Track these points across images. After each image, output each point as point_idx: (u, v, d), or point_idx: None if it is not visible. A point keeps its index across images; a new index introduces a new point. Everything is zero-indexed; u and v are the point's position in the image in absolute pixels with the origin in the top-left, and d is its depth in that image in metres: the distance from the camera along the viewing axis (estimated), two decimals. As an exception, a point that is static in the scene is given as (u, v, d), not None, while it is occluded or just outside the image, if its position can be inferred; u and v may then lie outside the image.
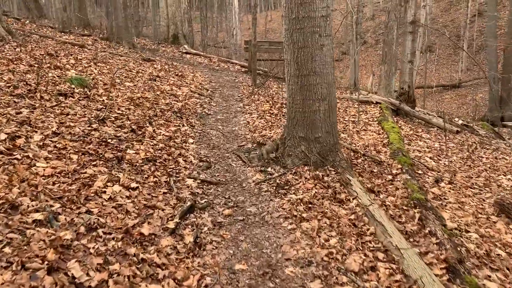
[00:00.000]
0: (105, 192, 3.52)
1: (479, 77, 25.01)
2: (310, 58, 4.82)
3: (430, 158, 6.98)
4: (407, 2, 10.04)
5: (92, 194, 3.42)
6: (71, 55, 8.41)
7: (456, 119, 12.66)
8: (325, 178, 4.58)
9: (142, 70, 9.57)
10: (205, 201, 3.98)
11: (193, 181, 4.35)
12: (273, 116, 7.61)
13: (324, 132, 4.99)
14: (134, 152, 4.58)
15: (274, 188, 4.32)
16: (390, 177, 5.24)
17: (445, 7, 35.82)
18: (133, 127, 5.31)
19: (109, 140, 4.65)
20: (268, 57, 17.41)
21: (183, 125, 6.37)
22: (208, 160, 5.06)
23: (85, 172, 3.78)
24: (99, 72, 7.77)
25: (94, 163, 4.03)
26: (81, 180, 3.61)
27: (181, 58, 15.63)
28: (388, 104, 10.05)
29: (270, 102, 8.77)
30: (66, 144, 4.17)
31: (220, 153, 5.38)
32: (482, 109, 19.97)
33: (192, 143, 5.63)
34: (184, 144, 5.49)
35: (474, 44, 28.13)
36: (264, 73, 14.96)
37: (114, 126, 5.20)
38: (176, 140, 5.52)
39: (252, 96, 9.29)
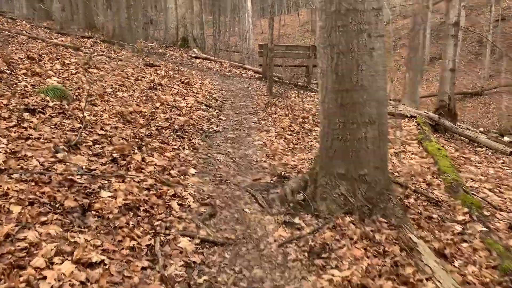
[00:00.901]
0: (45, 278, 2.22)
1: (504, 85, 23.42)
2: (355, 67, 3.49)
3: (490, 190, 5.57)
4: (450, 1, 8.65)
5: (22, 286, 2.12)
6: (58, 59, 7.20)
7: (494, 133, 11.17)
8: (377, 237, 3.22)
9: (142, 77, 8.33)
10: (204, 280, 2.66)
11: (190, 241, 3.03)
12: (294, 134, 6.28)
13: (372, 168, 3.64)
14: (109, 195, 3.29)
15: (306, 255, 2.98)
16: (458, 228, 3.86)
17: (465, 12, 34.19)
18: (115, 155, 4.02)
19: (76, 178, 3.37)
20: (283, 63, 16.11)
21: (184, 148, 5.07)
22: (212, 202, 3.74)
23: (24, 238, 2.49)
24: (89, 80, 6.53)
25: (45, 218, 2.74)
26: (11, 255, 2.32)
27: (190, 63, 14.39)
28: (426, 119, 8.65)
29: (290, 115, 7.44)
30: (8, 189, 2.90)
31: (229, 191, 4.06)
32: (509, 118, 18.45)
33: (193, 175, 4.32)
34: (182, 177, 4.18)
35: (496, 50, 26.52)
36: (280, 79, 13.65)
37: (89, 155, 3.92)
38: (172, 171, 4.21)
39: (269, 108, 7.96)
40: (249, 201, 3.82)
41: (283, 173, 4.42)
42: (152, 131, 5.24)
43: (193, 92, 8.61)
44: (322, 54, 3.64)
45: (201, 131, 6.09)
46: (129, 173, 3.83)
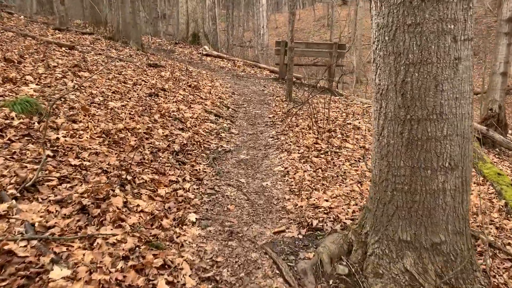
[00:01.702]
0: None
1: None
2: (432, 86, 2.32)
3: None
4: (503, -8, 7.35)
5: None
6: (43, 60, 6.14)
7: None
8: None
9: (143, 80, 7.24)
10: None
11: None
12: (322, 156, 5.11)
13: (452, 233, 2.48)
14: (64, 276, 2.20)
15: None
16: None
17: (492, 6, 32.28)
18: (86, 201, 2.93)
19: (19, 247, 2.29)
20: (298, 61, 14.93)
21: (185, 180, 3.96)
22: (217, 277, 2.62)
23: None
24: (75, 87, 5.46)
25: None
26: None
27: (200, 62, 13.29)
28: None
29: (314, 128, 6.27)
30: None
31: (241, 252, 2.93)
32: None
33: (193, 224, 3.21)
34: (178, 228, 3.07)
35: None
36: (298, 80, 12.46)
37: (49, 202, 2.83)
38: (164, 220, 3.11)
39: (288, 119, 6.80)
40: (270, 273, 2.69)
41: (314, 221, 3.27)
42: (145, 156, 4.14)
43: (201, 98, 7.50)
44: (381, 66, 2.48)
45: (208, 152, 4.98)
46: (102, 229, 2.73)
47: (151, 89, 6.78)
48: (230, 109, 7.37)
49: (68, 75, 5.86)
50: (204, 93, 7.94)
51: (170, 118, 5.65)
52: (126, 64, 8.23)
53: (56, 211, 2.77)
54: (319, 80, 10.17)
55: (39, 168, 3.03)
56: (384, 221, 2.60)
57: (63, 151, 3.60)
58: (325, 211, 3.45)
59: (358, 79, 20.50)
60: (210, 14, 20.12)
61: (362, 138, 6.54)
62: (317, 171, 4.54)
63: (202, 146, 5.10)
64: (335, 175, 4.51)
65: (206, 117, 6.35)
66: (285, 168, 4.56)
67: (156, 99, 6.39)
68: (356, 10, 30.83)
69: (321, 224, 3.24)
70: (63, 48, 7.82)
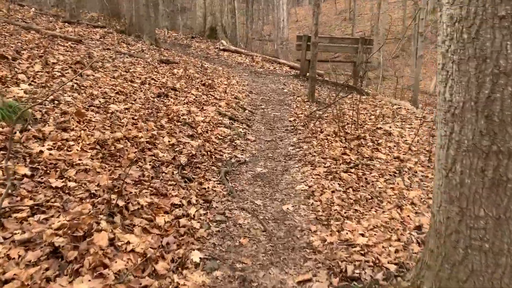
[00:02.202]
0: None
1: None
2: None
3: None
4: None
5: None
6: (42, 56, 5.59)
7: None
8: None
9: (152, 78, 6.63)
10: None
11: None
12: (352, 170, 4.40)
13: (550, 311, 1.76)
14: None
15: None
16: None
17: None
18: (61, 240, 2.31)
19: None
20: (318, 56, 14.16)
21: (190, 202, 3.32)
22: None
23: None
24: (75, 87, 4.89)
25: None
26: None
27: (217, 57, 12.65)
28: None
29: (341, 135, 5.56)
30: None
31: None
32: None
33: (196, 267, 2.57)
34: (176, 274, 2.44)
35: None
36: (319, 77, 11.69)
37: (5, 247, 2.22)
38: (159, 264, 2.47)
39: (311, 123, 6.10)
40: None
41: (348, 267, 2.58)
42: (145, 171, 3.53)
43: (216, 98, 6.85)
44: (455, 75, 1.77)
45: (220, 164, 4.33)
46: (77, 282, 2.11)
47: (161, 89, 6.17)
48: (247, 111, 6.70)
49: (68, 73, 5.29)
50: (219, 93, 7.29)
51: (179, 123, 5.02)
52: (136, 60, 7.64)
53: (20, 256, 2.16)
54: (347, 80, 9.40)
55: (4, 195, 2.43)
56: (453, 282, 1.90)
57: (45, 169, 3.00)
58: (362, 251, 2.76)
59: (383, 76, 19.53)
60: (229, 7, 19.45)
61: (395, 146, 5.79)
62: (348, 191, 3.84)
63: (214, 156, 4.46)
64: (369, 196, 3.80)
65: (220, 121, 5.70)
66: (309, 186, 3.87)
67: (165, 100, 5.78)
68: (379, 3, 29.70)
69: (357, 271, 2.55)
70: (69, 43, 7.27)
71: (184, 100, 6.08)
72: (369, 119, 7.10)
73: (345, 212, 3.38)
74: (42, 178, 2.89)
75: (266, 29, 35.23)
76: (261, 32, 32.60)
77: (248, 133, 5.64)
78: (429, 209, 3.81)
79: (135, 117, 4.65)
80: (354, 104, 7.68)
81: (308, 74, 11.48)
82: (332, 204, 3.50)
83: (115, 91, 5.30)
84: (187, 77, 7.57)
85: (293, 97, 8.25)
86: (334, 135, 5.58)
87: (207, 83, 7.56)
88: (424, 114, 8.09)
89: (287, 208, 3.45)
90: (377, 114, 7.50)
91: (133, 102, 5.15)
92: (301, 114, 6.68)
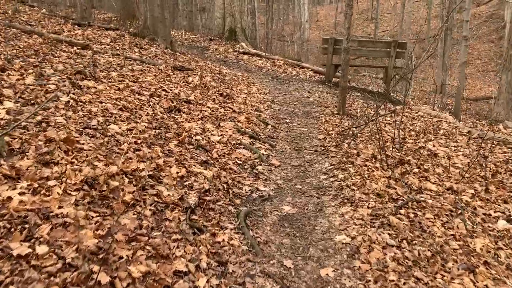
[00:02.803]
0: None
1: None
2: None
3: None
4: None
5: None
6: (37, 66, 4.90)
7: None
8: None
9: (164, 89, 5.90)
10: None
11: None
12: (401, 211, 3.54)
13: None
14: None
15: None
16: None
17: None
18: None
19: None
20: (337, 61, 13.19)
21: (198, 268, 2.54)
22: None
23: None
24: (71, 103, 4.18)
25: None
26: None
27: (236, 61, 11.88)
28: None
29: (383, 160, 4.69)
30: None
31: None
32: None
33: None
34: None
35: None
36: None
37: None
38: None
39: (345, 143, 5.25)
40: None
41: None
42: (143, 220, 2.76)
43: (234, 111, 6.08)
44: None
45: (239, 201, 3.53)
46: None
47: (172, 102, 5.42)
48: (269, 126, 5.89)
49: (65, 86, 4.58)
50: (237, 104, 6.51)
51: (191, 146, 4.25)
52: (147, 67, 6.92)
53: None
54: (388, 91, 8.52)
55: None
56: None
57: (9, 226, 2.27)
58: None
59: (411, 82, 18.32)
60: (249, 7, 18.72)
61: (444, 171, 4.90)
62: (401, 244, 3.00)
63: (231, 191, 3.67)
64: (429, 253, 2.95)
65: (239, 141, 4.91)
66: (352, 238, 3.04)
67: (176, 116, 5.02)
68: (404, 2, 28.55)
69: None
70: (74, 48, 6.60)
71: (198, 115, 5.31)
72: (409, 135, 6.21)
73: (404, 283, 2.54)
74: (1, 242, 2.16)
75: (287, 29, 34.37)
76: (281, 32, 31.78)
77: (272, 155, 4.83)
78: (509, 271, 2.93)
79: (139, 141, 3.90)
80: (390, 117, 6.79)
81: (334, 80, 10.62)
82: (385, 270, 2.66)
83: (119, 107, 4.56)
84: (203, 86, 6.81)
85: (321, 108, 7.40)
86: (373, 159, 4.73)
87: (224, 93, 6.79)
88: (469, 128, 7.13)
89: (326, 274, 2.63)
90: (417, 130, 6.59)
91: (139, 120, 4.40)
92: (332, 130, 5.83)
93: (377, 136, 5.11)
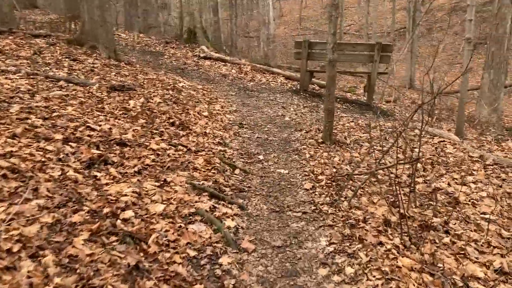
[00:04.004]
0: None
1: None
2: None
3: None
4: None
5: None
6: None
7: None
8: None
9: (89, 125, 4.25)
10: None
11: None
12: None
13: None
14: None
15: None
16: None
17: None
18: None
19: None
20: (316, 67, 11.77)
21: None
22: None
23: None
24: None
25: None
26: None
27: (196, 68, 10.26)
28: None
29: (403, 231, 3.28)
30: None
31: None
32: None
33: None
34: None
35: None
36: (321, 89, 9.41)
37: None
38: None
39: (343, 199, 3.79)
40: None
41: None
42: None
43: (190, 149, 4.51)
44: None
45: None
46: None
47: (98, 148, 3.81)
48: (237, 171, 4.36)
49: None
50: (195, 137, 4.95)
51: (113, 238, 2.67)
52: (73, 91, 5.23)
53: None
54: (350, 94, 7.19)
55: None
56: None
57: None
58: None
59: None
60: (211, 4, 17.09)
61: (477, 232, 3.56)
62: None
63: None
64: None
65: (194, 207, 3.36)
66: None
67: (100, 174, 3.41)
68: (368, -4, 27.70)
69: None
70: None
71: (134, 166, 3.71)
72: (415, 169, 4.84)
73: None
74: None
75: (252, 25, 32.84)
76: (245, 28, 30.24)
77: (243, 228, 3.30)
78: None
79: (14, 248, 2.28)
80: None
81: (308, 89, 9.22)
82: None
83: (1, 172, 2.91)
84: (148, 113, 5.19)
85: (301, 133, 5.93)
86: (387, 226, 3.30)
87: (177, 121, 5.20)
88: (479, 151, 5.86)
89: None
90: (422, 159, 5.24)
91: (30, 197, 2.77)
92: (321, 174, 4.36)
93: (388, 187, 3.68)
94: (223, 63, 11.22)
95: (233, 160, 4.65)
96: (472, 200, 4.24)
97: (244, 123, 6.30)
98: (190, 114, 5.80)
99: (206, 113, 6.09)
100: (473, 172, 5.10)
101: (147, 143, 4.28)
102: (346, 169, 4.51)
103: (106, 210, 2.95)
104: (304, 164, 4.66)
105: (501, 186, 4.75)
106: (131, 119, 4.82)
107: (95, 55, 8.09)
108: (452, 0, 33.35)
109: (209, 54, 11.55)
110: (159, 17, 20.22)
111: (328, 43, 4.97)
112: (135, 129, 4.51)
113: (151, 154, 4.06)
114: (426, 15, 25.73)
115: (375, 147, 5.42)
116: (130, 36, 13.59)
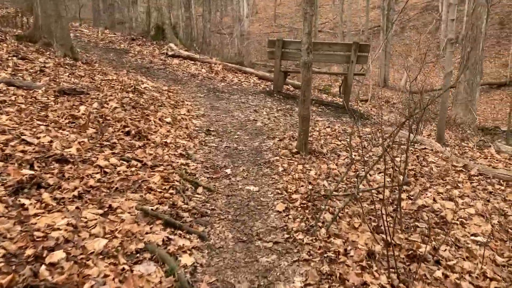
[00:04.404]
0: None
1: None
2: None
3: None
4: None
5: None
6: None
7: None
8: None
9: (26, 138, 3.60)
10: None
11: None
12: None
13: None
14: None
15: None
16: None
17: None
18: None
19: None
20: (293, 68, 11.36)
21: None
22: None
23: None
24: None
25: None
26: None
27: (163, 68, 9.60)
28: None
29: (389, 266, 2.82)
30: None
31: None
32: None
33: None
34: None
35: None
36: (296, 90, 8.98)
37: None
38: None
39: (319, 224, 3.31)
40: None
41: None
42: None
43: (145, 164, 3.93)
44: None
45: None
46: None
47: (31, 167, 3.18)
48: (200, 189, 3.81)
49: None
50: (153, 148, 4.36)
51: (31, 294, 2.08)
52: (13, 96, 4.55)
53: None
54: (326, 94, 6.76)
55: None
56: None
57: None
58: None
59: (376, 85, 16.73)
60: (182, 0, 16.40)
61: (470, 259, 3.16)
62: None
63: None
64: None
65: (143, 240, 2.79)
66: None
67: (29, 201, 2.80)
68: (342, -6, 27.57)
69: None
70: None
71: (74, 190, 3.11)
72: (395, 180, 4.42)
73: None
74: None
75: (226, 21, 32.20)
76: (219, 24, 29.59)
77: (202, 267, 2.76)
78: None
79: None
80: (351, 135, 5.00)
81: (282, 90, 8.74)
82: None
83: None
84: (100, 121, 4.57)
85: (273, 141, 5.42)
86: (371, 259, 2.83)
87: (134, 130, 4.60)
88: (463, 161, 5.51)
89: None
90: (403, 171, 4.82)
91: None
92: (296, 192, 3.86)
93: (369, 205, 3.22)
94: (193, 62, 10.60)
95: (196, 175, 4.10)
96: (460, 219, 3.84)
97: (212, 129, 5.74)
98: (150, 120, 5.20)
99: (169, 119, 5.50)
100: (459, 185, 4.72)
101: (94, 158, 3.68)
102: (323, 185, 4.03)
103: (29, 251, 2.36)
104: (276, 180, 4.15)
105: (489, 201, 4.38)
106: (79, 129, 4.19)
107: (48, 53, 7.35)
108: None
109: (178, 52, 10.90)
110: (129, 12, 19.32)
111: (302, 43, 4.47)
112: (82, 142, 3.90)
113: (97, 173, 3.46)
114: (400, 14, 25.74)
115: (354, 158, 4.97)
116: (94, 32, 12.76)
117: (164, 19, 12.53)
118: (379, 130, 6.34)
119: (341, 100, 8.89)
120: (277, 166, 4.47)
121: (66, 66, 6.78)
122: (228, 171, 4.31)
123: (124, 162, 3.82)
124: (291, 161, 4.63)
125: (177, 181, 3.76)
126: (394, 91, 19.92)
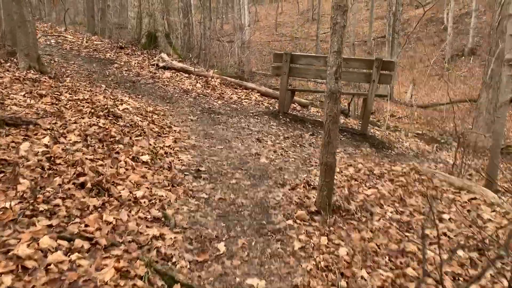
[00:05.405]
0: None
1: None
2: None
3: None
4: None
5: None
6: None
7: None
8: None
9: None
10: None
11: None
12: None
13: None
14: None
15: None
16: None
17: (489, 1, 28.17)
18: None
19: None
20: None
21: None
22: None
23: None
24: None
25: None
26: None
27: (152, 81, 8.32)
28: None
29: None
30: None
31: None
32: None
33: None
34: None
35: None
36: (303, 109, 7.75)
37: None
38: None
39: None
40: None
41: None
42: None
43: (96, 243, 2.61)
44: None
45: None
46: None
47: None
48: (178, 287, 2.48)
49: None
50: (114, 211, 3.04)
51: None
52: None
53: None
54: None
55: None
56: None
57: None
58: None
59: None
60: (181, 5, 15.17)
61: None
62: None
63: None
64: None
65: None
66: None
67: None
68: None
69: None
70: None
71: None
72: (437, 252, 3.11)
73: None
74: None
75: (226, 29, 31.13)
76: (219, 32, 28.46)
77: None
78: None
79: None
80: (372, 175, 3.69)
81: (289, 111, 7.47)
82: None
83: None
84: (46, 167, 3.25)
85: (284, 191, 4.10)
86: None
87: (91, 180, 3.28)
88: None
89: None
90: (449, 235, 3.51)
91: None
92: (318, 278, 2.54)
93: None
94: (187, 75, 9.32)
95: (173, 258, 2.77)
96: None
97: (202, 169, 4.44)
98: (120, 161, 3.89)
99: (146, 157, 4.19)
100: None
101: (14, 241, 2.36)
102: (362, 276, 2.72)
103: None
104: (291, 267, 2.83)
105: None
106: (6, 185, 2.88)
107: (9, 64, 6.06)
108: (429, 11, 32.66)
109: (170, 64, 9.63)
110: (103, 19, 17.97)
111: (329, 65, 3.18)
112: (2, 209, 2.58)
113: (9, 273, 2.14)
114: (412, 31, 24.72)
115: (390, 218, 3.66)
116: (78, 38, 11.50)
117: (157, 25, 11.27)
118: (415, 170, 5.04)
119: (357, 122, 7.62)
120: (292, 238, 3.15)
121: (27, 82, 5.49)
122: (221, 247, 2.99)
123: (64, 244, 2.50)
124: (310, 228, 3.32)
125: (141, 276, 2.44)
126: (399, 104, 18.71)
